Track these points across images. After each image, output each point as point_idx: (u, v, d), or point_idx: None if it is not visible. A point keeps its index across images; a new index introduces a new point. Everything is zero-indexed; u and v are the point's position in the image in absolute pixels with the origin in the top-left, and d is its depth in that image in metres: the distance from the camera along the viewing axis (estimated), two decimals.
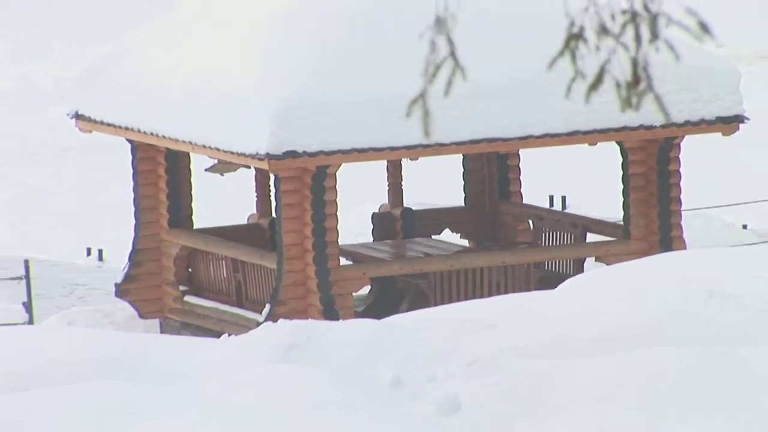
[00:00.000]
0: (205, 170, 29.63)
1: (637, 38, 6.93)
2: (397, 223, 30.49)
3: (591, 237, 29.25)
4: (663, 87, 8.96)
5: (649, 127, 25.89)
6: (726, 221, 33.39)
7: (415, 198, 32.24)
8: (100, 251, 33.60)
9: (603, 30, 7.07)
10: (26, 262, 29.13)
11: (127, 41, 31.49)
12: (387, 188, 30.99)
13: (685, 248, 27.18)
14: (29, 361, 18.29)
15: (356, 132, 26.20)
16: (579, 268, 27.53)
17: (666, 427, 15.14)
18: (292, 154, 25.67)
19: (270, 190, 28.41)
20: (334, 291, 26.65)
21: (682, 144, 27.61)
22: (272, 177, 27.34)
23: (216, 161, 28.60)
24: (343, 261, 27.79)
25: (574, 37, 7.03)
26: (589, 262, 28.34)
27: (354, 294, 27.43)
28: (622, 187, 27.93)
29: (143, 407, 15.89)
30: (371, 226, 30.85)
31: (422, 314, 20.96)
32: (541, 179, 33.11)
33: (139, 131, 28.25)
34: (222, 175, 30.17)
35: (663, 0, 7.21)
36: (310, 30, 27.48)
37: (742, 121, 26.95)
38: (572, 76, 7.01)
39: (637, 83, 6.95)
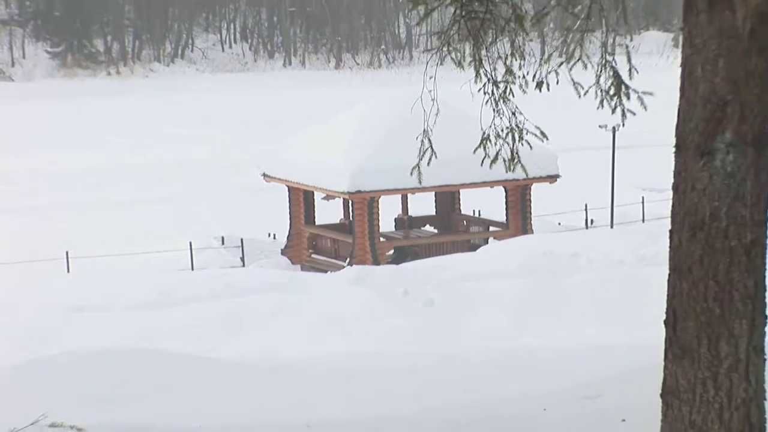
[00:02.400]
0: (322, 199, 33.69)
1: (513, 139, 8.40)
2: (405, 221, 35.72)
3: (491, 228, 34.27)
4: (525, 160, 8.67)
5: (517, 179, 28.25)
6: (551, 221, 35.67)
7: (413, 211, 36.00)
8: (274, 234, 35.75)
9: (498, 135, 8.44)
10: (242, 240, 33.33)
11: (292, 138, 35.76)
12: (401, 206, 35.58)
13: (533, 233, 31.83)
14: (244, 282, 25.90)
15: (387, 182, 30.49)
16: (485, 242, 31.96)
17: (526, 320, 22.57)
18: (359, 192, 30.81)
19: (349, 208, 32.79)
20: (377, 252, 31.37)
21: (531, 187, 32.12)
22: (350, 202, 32.07)
23: (325, 195, 33.28)
24: (381, 239, 32.37)
25: (485, 139, 8.51)
26: (490, 241, 32.14)
27: (386, 254, 32.09)
28: (505, 205, 33.01)
29: (293, 304, 23.69)
30: (394, 224, 35.41)
31: (416, 263, 27.94)
32: (469, 202, 35.69)
33: (291, 181, 33.48)
34: (328, 200, 33.58)
35: (524, 119, 8.36)
36: (370, 131, 31.84)
37: (557, 177, 31.91)
38: (484, 156, 8.59)
39: (513, 160, 8.54)
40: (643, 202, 35.76)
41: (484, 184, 31.48)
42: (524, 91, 7.94)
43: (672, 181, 6.27)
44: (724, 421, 6.22)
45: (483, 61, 7.65)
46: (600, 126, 31.68)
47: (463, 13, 7.59)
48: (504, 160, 8.25)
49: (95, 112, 69.56)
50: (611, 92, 7.60)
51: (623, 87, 7.55)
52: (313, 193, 33.79)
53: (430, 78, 7.90)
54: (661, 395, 6.40)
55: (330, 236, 33.86)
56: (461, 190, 34.50)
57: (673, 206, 6.30)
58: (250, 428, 8.17)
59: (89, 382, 11.31)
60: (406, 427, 7.78)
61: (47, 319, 22.11)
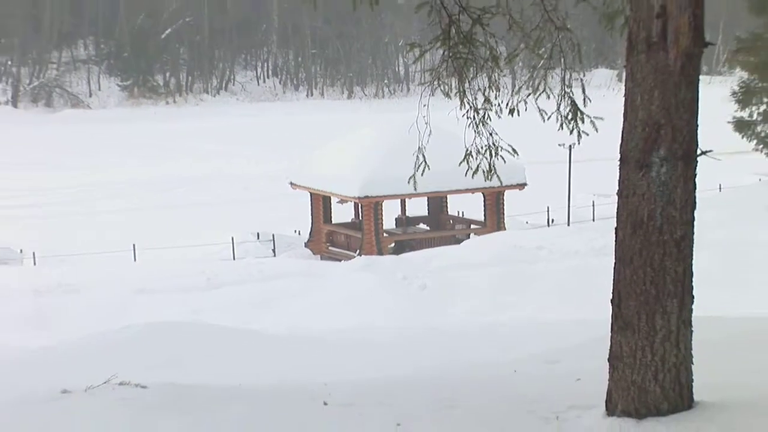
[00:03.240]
0: (337, 202, 32.97)
1: (490, 155, 8.22)
2: (403, 221, 35.25)
3: (472, 226, 33.63)
4: (499, 172, 8.33)
5: (493, 187, 27.71)
6: (520, 220, 34.81)
7: (410, 212, 35.46)
8: (299, 231, 34.80)
9: (478, 152, 8.27)
10: (273, 235, 33.25)
11: (314, 154, 34.92)
12: (400, 209, 35.17)
13: (505, 230, 31.29)
14: (274, 269, 25.72)
15: (389, 189, 29.92)
16: (467, 237, 31.30)
17: (500, 299, 22.45)
18: (367, 197, 30.61)
19: (359, 209, 32.59)
20: (381, 245, 31.05)
21: (504, 193, 31.74)
22: (360, 205, 31.93)
23: (340, 199, 32.54)
24: (384, 235, 31.97)
25: (468, 155, 8.28)
26: (471, 236, 31.38)
27: (388, 246, 31.45)
28: (483, 208, 32.67)
29: (313, 287, 23.54)
30: (394, 222, 34.94)
31: (412, 254, 27.83)
32: (455, 205, 35.01)
33: (313, 188, 33.01)
34: (342, 204, 32.87)
35: (498, 139, 8.13)
36: (375, 148, 31.33)
37: (525, 185, 31.34)
38: (467, 168, 8.34)
39: (490, 171, 8.35)
40: (593, 205, 35.57)
41: (466, 190, 31.01)
42: (499, 116, 7.91)
43: (617, 188, 6.27)
44: (659, 381, 6.24)
45: (466, 93, 7.60)
46: (559, 144, 31.45)
47: (450, 54, 7.55)
48: (483, 172, 8.14)
49: (156, 133, 69.76)
50: (569, 117, 7.62)
51: (578, 113, 7.55)
52: (330, 198, 33.44)
53: (424, 106, 7.87)
54: (609, 360, 6.42)
55: (343, 232, 33.61)
56: (448, 196, 34.13)
57: (618, 208, 6.31)
58: (279, 386, 8.00)
59: (151, 349, 11.31)
60: (403, 385, 7.67)
61: (117, 298, 22.02)
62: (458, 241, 30.63)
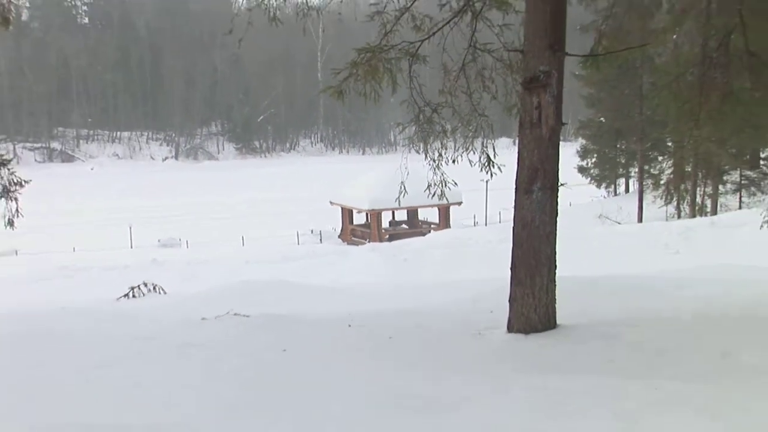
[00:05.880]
0: (356, 212, 32.42)
1: (442, 185, 7.36)
2: (393, 222, 34.16)
3: (432, 226, 33.21)
4: (447, 195, 7.63)
5: (444, 204, 27.83)
6: (460, 222, 33.81)
7: (397, 218, 34.50)
8: (335, 228, 33.83)
9: (435, 183, 7.46)
10: (320, 231, 33.10)
11: (342, 186, 34.16)
12: (392, 215, 33.84)
13: (451, 228, 30.18)
14: (321, 250, 24.94)
15: (385, 205, 29.17)
16: (429, 232, 30.19)
17: (449, 268, 20.47)
18: (373, 209, 30.38)
19: (368, 216, 32.38)
20: (381, 237, 30.94)
21: (450, 207, 30.17)
22: (368, 214, 31.69)
23: (357, 211, 32.08)
24: (383, 231, 31.99)
25: (430, 185, 7.44)
26: (432, 231, 30.53)
27: (385, 237, 31.05)
28: (438, 215, 32.28)
29: (343, 260, 22.06)
30: (389, 223, 33.84)
31: (399, 241, 25.87)
32: (423, 214, 33.76)
33: (343, 204, 32.72)
34: (359, 213, 32.21)
35: (446, 176, 7.23)
36: (377, 182, 30.00)
37: (462, 203, 30.03)
38: (431, 193, 7.36)
39: (442, 194, 7.46)
40: (500, 214, 34.81)
41: (429, 206, 29.49)
42: (447, 164, 7.75)
43: (514, 204, 6.17)
44: (537, 313, 6.16)
45: (428, 150, 7.38)
46: (481, 180, 30.95)
47: (419, 129, 7.41)
48: (438, 195, 7.86)
49: (255, 175, 69.51)
50: (486, 164, 7.47)
51: (491, 162, 7.44)
52: (352, 210, 33.15)
53: (404, 158, 7.70)
54: (509, 301, 6.32)
55: (359, 229, 33.38)
56: (418, 209, 33.26)
57: (514, 216, 6.22)
58: (325, 315, 7.73)
59: (251, 295, 11.07)
60: (392, 315, 7.44)
61: (233, 267, 21.91)
62: (424, 234, 30.05)
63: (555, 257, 6.04)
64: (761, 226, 7.30)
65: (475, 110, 7.05)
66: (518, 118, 5.96)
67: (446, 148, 7.56)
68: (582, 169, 34.88)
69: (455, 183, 7.89)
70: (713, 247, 15.66)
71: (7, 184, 7.20)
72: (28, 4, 71.16)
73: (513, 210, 6.03)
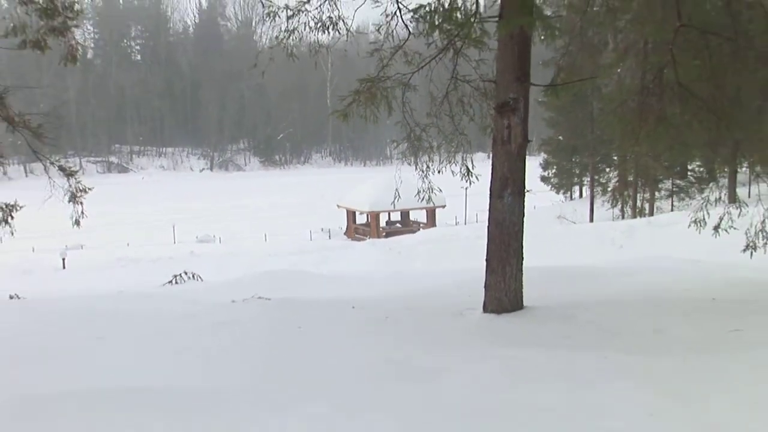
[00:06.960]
0: (359, 213, 31.14)
1: (428, 191, 6.86)
2: (389, 222, 32.46)
3: (421, 225, 31.73)
4: (434, 199, 6.92)
5: (430, 206, 27.79)
6: (444, 222, 31.97)
7: (393, 218, 32.60)
8: (341, 227, 32.60)
9: (423, 189, 6.88)
10: (329, 229, 31.37)
11: (348, 192, 33.04)
12: (388, 216, 32.22)
13: (437, 227, 28.96)
14: (330, 245, 24.36)
15: (382, 207, 28.03)
16: (419, 229, 28.97)
17: (435, 260, 20.63)
18: (372, 211, 29.23)
19: (368, 217, 31.10)
20: (379, 233, 29.31)
21: (436, 210, 29.64)
22: (368, 215, 30.42)
23: (360, 212, 30.96)
24: (380, 228, 30.46)
25: (419, 191, 6.87)
26: (421, 229, 29.25)
27: (382, 234, 29.26)
28: (426, 216, 31.07)
29: (347, 253, 22.00)
30: (385, 222, 32.18)
31: (394, 238, 25.60)
32: (414, 214, 32.45)
33: (347, 207, 31.44)
34: (361, 214, 31.14)
35: (432, 183, 6.67)
36: (376, 188, 29.31)
37: (445, 206, 28.68)
38: (420, 198, 6.86)
39: (429, 199, 6.94)
40: (477, 215, 33.92)
41: (419, 208, 29.17)
42: (433, 173, 7.60)
43: (489, 207, 6.11)
44: (507, 297, 6.07)
45: (418, 162, 7.24)
46: (461, 186, 30.65)
47: (410, 145, 7.32)
48: (425, 199, 7.65)
49: (275, 183, 68.71)
50: (465, 174, 7.38)
51: (470, 172, 7.33)
52: (355, 211, 31.97)
53: (398, 169, 7.60)
54: (484, 287, 6.22)
55: (362, 227, 32.15)
56: (410, 211, 31.94)
57: (489, 216, 6.15)
58: (334, 299, 7.56)
59: (271, 282, 10.90)
60: (388, 299, 7.36)
61: (257, 258, 21.65)
62: (414, 232, 29.37)
63: (522, 251, 5.95)
64: (689, 225, 7.30)
65: (457, 130, 6.98)
66: (492, 137, 5.90)
67: (432, 161, 7.48)
68: (544, 179, 34.90)
69: (440, 189, 7.83)
70: (651, 243, 15.81)
71: (75, 191, 7.63)
72: (92, 45, 74.63)
73: (488, 212, 5.97)
